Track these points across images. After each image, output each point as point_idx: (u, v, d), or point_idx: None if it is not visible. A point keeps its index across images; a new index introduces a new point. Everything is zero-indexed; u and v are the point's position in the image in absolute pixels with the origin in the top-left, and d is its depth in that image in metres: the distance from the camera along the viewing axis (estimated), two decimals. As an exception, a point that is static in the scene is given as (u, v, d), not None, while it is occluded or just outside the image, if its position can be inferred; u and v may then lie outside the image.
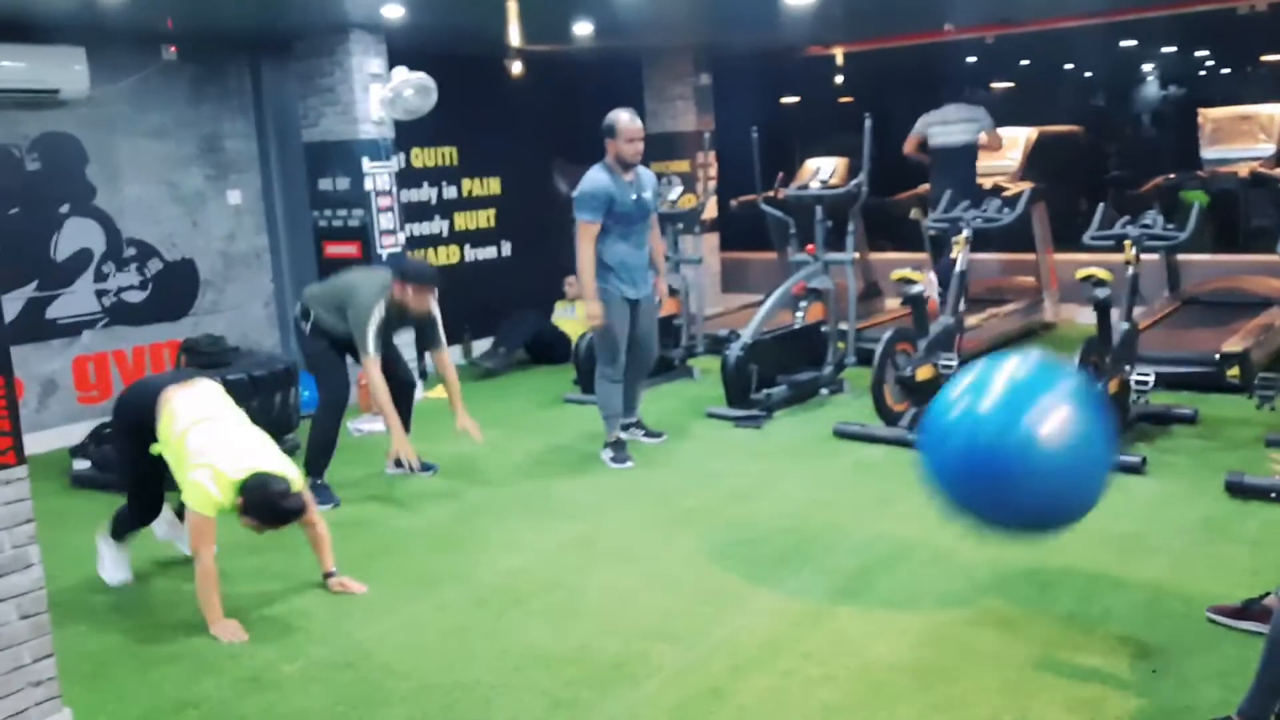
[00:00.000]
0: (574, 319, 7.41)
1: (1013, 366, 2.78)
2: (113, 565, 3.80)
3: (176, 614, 3.51)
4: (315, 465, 4.57)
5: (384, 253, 6.33)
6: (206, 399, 3.55)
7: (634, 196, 4.80)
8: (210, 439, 3.35)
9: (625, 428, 5.25)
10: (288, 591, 3.67)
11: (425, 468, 4.68)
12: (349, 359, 4.65)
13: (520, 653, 3.11)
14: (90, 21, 5.32)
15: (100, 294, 5.91)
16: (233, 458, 3.30)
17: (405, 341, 5.51)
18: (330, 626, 3.36)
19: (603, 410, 5.04)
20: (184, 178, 6.29)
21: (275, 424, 5.20)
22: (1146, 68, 8.85)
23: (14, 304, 5.51)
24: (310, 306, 4.64)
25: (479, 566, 3.81)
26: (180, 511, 3.70)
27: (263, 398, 5.11)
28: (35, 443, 5.09)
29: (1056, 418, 2.63)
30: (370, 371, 4.40)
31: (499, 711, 2.80)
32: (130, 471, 3.70)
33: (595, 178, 4.79)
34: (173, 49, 6.13)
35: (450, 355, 4.74)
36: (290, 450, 5.34)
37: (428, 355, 4.91)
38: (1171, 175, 7.43)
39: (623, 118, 4.74)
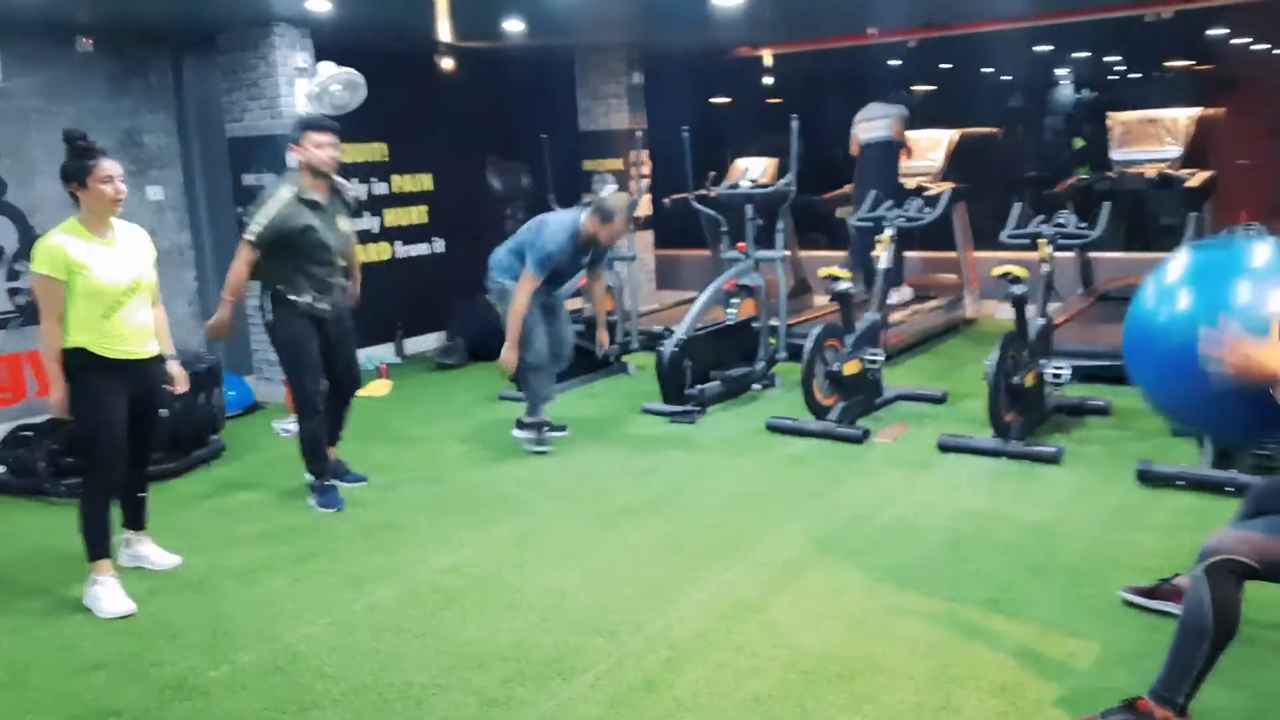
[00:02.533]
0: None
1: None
2: (117, 593, 3.49)
3: (97, 621, 3.42)
4: (312, 468, 4.46)
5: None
6: None
7: (584, 260, 4.97)
8: None
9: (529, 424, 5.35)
10: (213, 594, 3.60)
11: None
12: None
13: (454, 651, 3.10)
14: (0, 12, 5.12)
15: (13, 293, 5.69)
16: None
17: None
18: (258, 629, 3.31)
19: (529, 395, 5.11)
20: (101, 173, 6.07)
21: (199, 425, 5.09)
22: (1061, 72, 9.15)
23: (-80, 303, 5.28)
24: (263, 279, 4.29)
25: (413, 565, 3.78)
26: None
27: (185, 398, 4.97)
28: (-57, 448, 4.87)
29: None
30: None
31: (431, 712, 2.79)
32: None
33: (562, 240, 4.87)
34: (88, 41, 5.93)
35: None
36: (215, 453, 5.23)
37: (367, 355, 4.59)
38: (1084, 175, 7.71)
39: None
